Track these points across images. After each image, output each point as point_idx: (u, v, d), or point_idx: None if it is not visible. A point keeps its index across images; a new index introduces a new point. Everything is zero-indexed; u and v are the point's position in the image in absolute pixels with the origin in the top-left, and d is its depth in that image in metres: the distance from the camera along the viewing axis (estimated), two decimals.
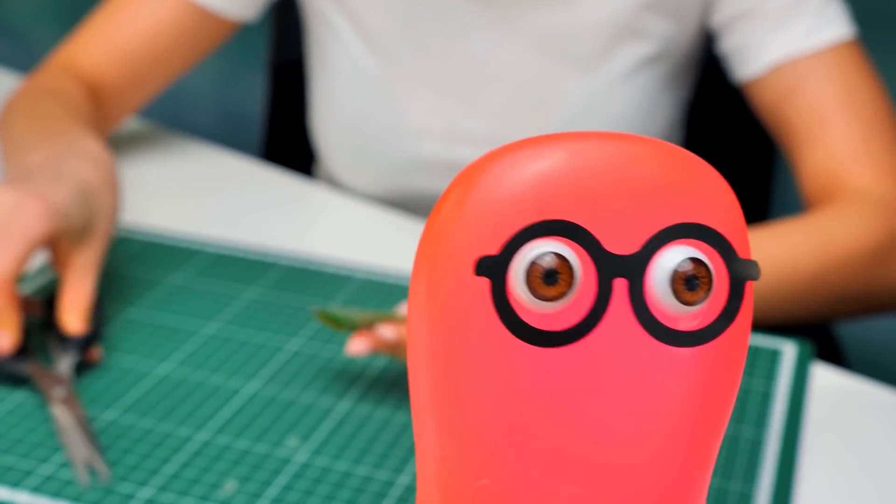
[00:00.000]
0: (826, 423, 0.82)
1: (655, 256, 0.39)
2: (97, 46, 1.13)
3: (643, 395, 0.40)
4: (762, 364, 0.88)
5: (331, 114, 1.18)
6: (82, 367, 0.84)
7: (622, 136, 0.40)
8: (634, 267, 0.39)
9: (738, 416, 0.82)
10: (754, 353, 0.89)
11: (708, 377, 0.40)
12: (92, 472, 0.74)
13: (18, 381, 0.82)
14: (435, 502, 0.41)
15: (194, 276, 0.96)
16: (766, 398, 0.84)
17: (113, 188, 0.90)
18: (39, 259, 0.97)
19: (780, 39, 1.06)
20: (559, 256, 0.38)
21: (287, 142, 1.53)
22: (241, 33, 2.06)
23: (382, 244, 1.04)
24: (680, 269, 0.38)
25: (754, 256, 0.93)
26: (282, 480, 0.74)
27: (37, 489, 0.72)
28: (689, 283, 0.38)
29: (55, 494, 0.72)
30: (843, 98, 1.04)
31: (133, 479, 0.73)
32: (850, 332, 1.88)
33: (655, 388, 0.40)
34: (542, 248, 0.38)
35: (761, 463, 0.77)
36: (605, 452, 0.40)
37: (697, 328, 0.40)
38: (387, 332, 0.79)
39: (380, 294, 0.94)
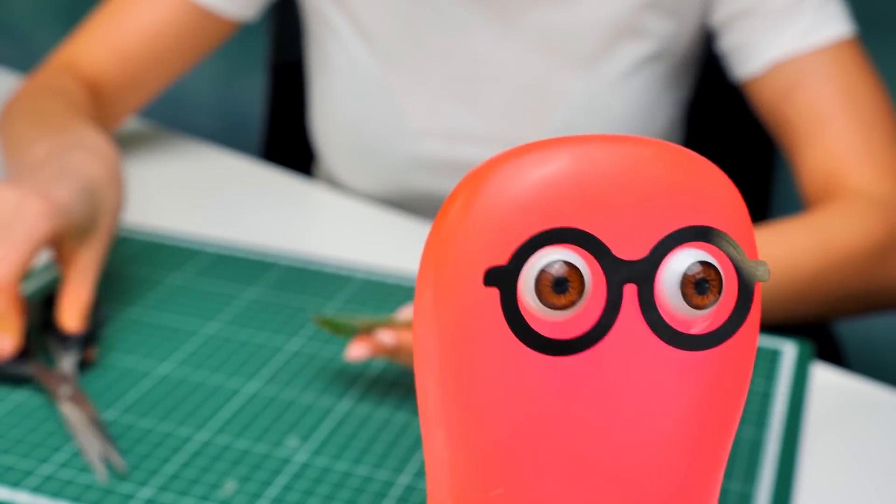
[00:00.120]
0: (826, 423, 0.82)
1: (665, 261, 0.39)
2: (97, 46, 1.13)
3: (655, 400, 0.39)
4: (762, 364, 0.88)
5: (330, 113, 1.18)
6: (80, 367, 0.84)
7: (626, 139, 0.39)
8: (644, 272, 0.39)
9: None
10: None
11: (719, 379, 0.40)
12: (108, 465, 0.74)
13: (20, 381, 0.82)
14: None
15: (194, 276, 0.96)
16: (765, 398, 0.84)
17: (117, 183, 0.89)
18: (43, 257, 0.97)
19: (779, 38, 1.06)
20: (569, 265, 0.37)
21: (287, 142, 1.53)
22: (241, 33, 2.06)
23: (382, 244, 1.04)
24: (689, 273, 0.38)
25: None
26: (282, 480, 0.74)
27: (37, 489, 0.72)
28: (699, 286, 0.38)
29: (55, 494, 0.72)
30: (842, 97, 1.04)
31: (133, 479, 0.73)
32: (850, 331, 1.88)
33: (667, 392, 0.39)
34: (552, 257, 0.38)
35: (761, 463, 0.77)
36: (619, 459, 0.40)
37: (708, 331, 0.39)
38: (386, 337, 0.79)
39: (380, 294, 0.94)
